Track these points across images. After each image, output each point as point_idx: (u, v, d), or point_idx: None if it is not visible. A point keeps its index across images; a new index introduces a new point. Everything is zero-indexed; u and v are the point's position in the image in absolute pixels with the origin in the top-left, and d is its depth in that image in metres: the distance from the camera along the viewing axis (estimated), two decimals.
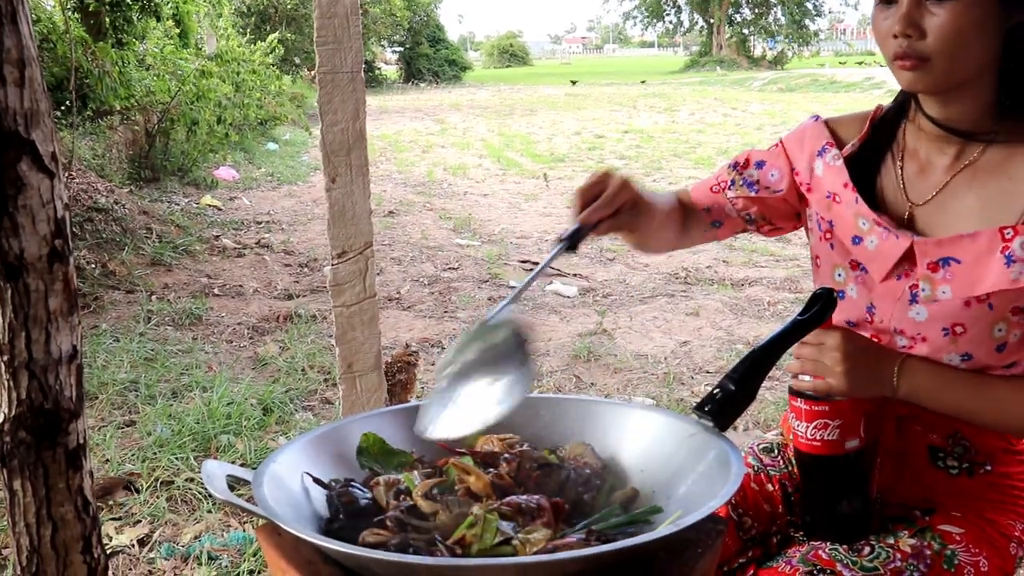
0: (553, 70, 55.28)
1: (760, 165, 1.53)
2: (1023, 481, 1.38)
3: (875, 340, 1.36)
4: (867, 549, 1.30)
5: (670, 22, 53.21)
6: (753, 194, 1.53)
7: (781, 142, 1.54)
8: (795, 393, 1.32)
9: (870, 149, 1.44)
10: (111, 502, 2.86)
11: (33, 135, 1.16)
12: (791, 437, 1.38)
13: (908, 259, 1.35)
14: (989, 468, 1.37)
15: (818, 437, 1.30)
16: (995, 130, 1.31)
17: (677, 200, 1.59)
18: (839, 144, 1.46)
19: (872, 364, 1.29)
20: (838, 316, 1.36)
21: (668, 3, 51.29)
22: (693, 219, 1.59)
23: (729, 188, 1.55)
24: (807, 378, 1.31)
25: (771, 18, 46.27)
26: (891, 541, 1.32)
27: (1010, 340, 1.31)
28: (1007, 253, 1.26)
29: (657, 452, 1.25)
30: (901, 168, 1.40)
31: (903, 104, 1.43)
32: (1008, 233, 1.26)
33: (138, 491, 2.90)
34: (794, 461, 1.39)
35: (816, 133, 1.49)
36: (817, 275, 1.51)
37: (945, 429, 1.38)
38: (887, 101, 1.48)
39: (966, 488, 1.38)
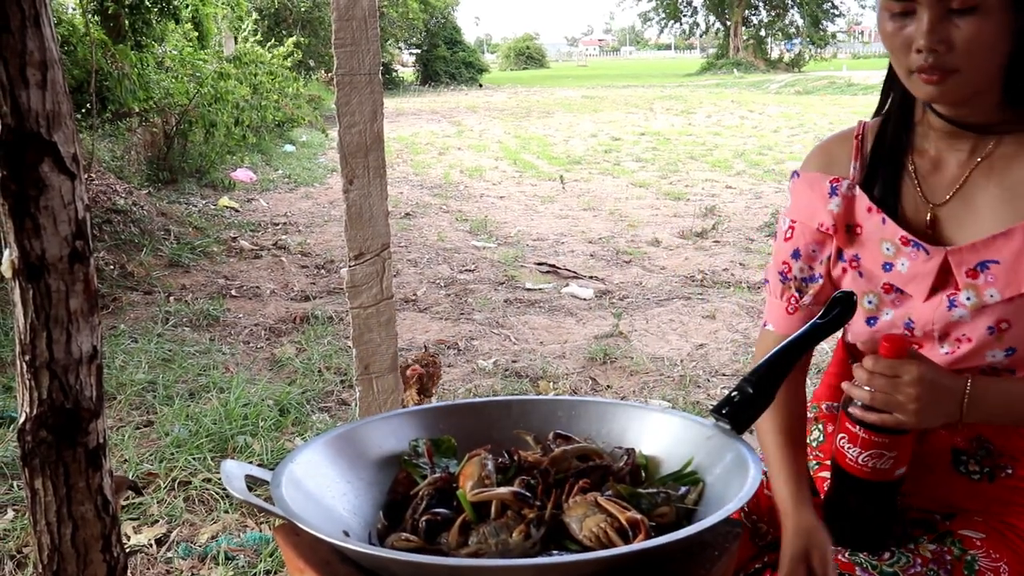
0: (570, 72, 55.26)
1: (798, 255, 1.48)
2: None
3: (944, 369, 1.30)
4: (887, 554, 1.30)
5: (686, 24, 53.15)
6: (822, 280, 1.48)
7: (792, 221, 1.49)
8: (855, 419, 1.29)
9: (879, 161, 1.42)
10: (120, 502, 2.88)
11: (55, 137, 1.17)
12: (833, 451, 1.36)
13: (944, 271, 1.33)
14: (1011, 472, 1.36)
15: (870, 464, 1.29)
16: (1006, 121, 1.31)
17: (797, 385, 1.51)
18: (840, 174, 1.44)
19: (942, 399, 1.26)
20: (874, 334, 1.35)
21: (685, 4, 51.21)
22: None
23: (803, 298, 1.49)
24: (867, 405, 1.27)
25: (788, 20, 46.10)
26: (911, 546, 1.32)
27: None
28: None
29: (674, 454, 1.25)
30: (914, 170, 1.39)
31: (903, 110, 1.41)
32: None
33: (140, 492, 2.91)
34: (832, 472, 1.37)
35: (813, 181, 1.45)
36: None
37: (968, 432, 1.37)
38: None
39: (987, 493, 1.37)
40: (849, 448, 1.30)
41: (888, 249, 1.37)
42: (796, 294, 1.49)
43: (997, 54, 1.23)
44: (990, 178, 1.33)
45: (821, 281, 1.47)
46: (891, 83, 1.40)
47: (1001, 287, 1.28)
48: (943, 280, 1.34)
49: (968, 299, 1.31)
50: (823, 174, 1.45)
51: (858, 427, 1.29)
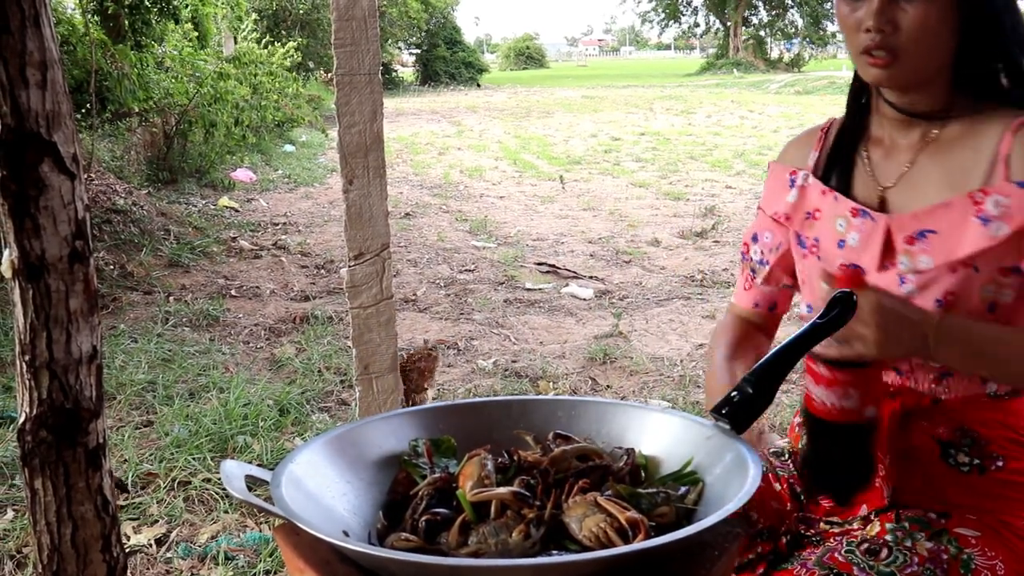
0: (569, 72, 55.29)
1: (756, 239, 1.61)
2: None
3: (907, 301, 1.30)
4: (884, 552, 1.30)
5: (687, 23, 53.20)
6: (771, 265, 1.59)
7: (759, 208, 1.62)
8: (817, 357, 1.25)
9: (837, 150, 1.50)
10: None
11: (55, 137, 1.17)
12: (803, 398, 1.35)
13: (889, 243, 1.38)
14: (1001, 464, 1.37)
15: (837, 405, 1.24)
16: (954, 107, 1.37)
17: (748, 329, 1.64)
18: (801, 168, 1.54)
19: (904, 329, 1.23)
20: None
21: (684, 5, 51.25)
22: (763, 321, 1.65)
23: (754, 277, 1.62)
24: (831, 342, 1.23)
25: (788, 20, 46.13)
26: (908, 544, 1.32)
27: (1000, 300, 1.33)
28: (981, 215, 1.30)
29: (674, 454, 1.25)
30: (867, 157, 1.46)
31: (859, 100, 1.48)
32: (979, 196, 1.30)
33: (126, 489, 2.91)
34: (803, 419, 1.33)
35: (778, 174, 1.57)
36: (805, 291, 1.54)
37: (951, 422, 1.38)
38: None
39: (979, 487, 1.37)
40: (815, 389, 1.26)
41: (841, 225, 1.43)
42: (751, 273, 1.62)
43: (942, 41, 1.30)
44: (935, 159, 1.38)
45: (768, 267, 1.58)
46: (857, 80, 1.48)
47: (935, 254, 1.32)
48: (891, 252, 1.37)
49: (902, 264, 1.34)
50: (785, 166, 1.56)
51: (820, 365, 1.24)
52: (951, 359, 1.28)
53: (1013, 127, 1.31)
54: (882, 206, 1.42)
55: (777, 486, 1.53)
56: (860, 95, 1.48)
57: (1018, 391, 1.39)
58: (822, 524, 1.46)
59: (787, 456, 1.59)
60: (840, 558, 1.29)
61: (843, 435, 1.27)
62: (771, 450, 1.61)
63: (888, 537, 1.33)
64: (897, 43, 1.29)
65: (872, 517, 1.40)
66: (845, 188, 1.47)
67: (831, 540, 1.39)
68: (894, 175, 1.42)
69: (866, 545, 1.32)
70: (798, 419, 1.63)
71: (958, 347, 1.27)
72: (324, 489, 1.18)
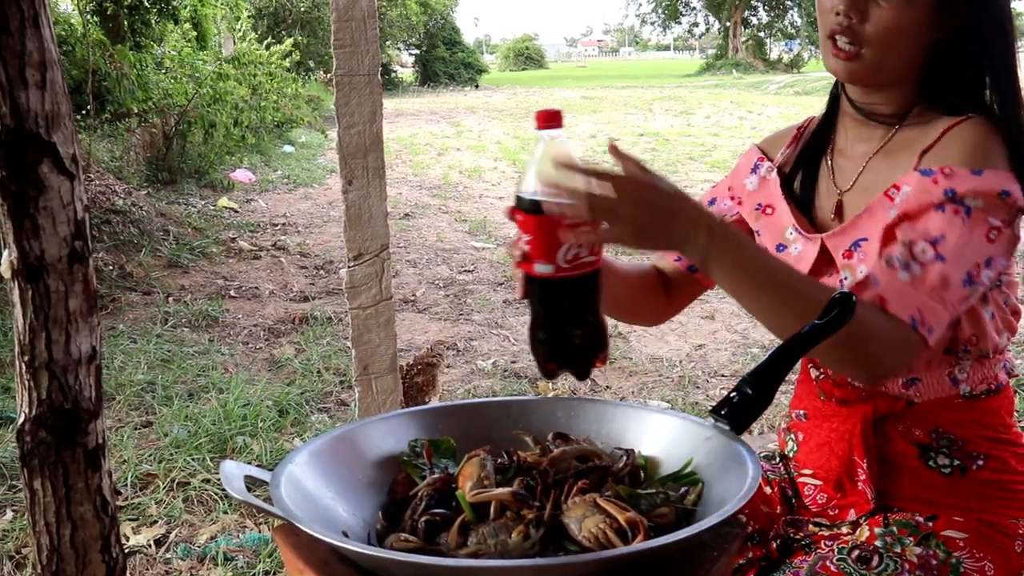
0: (569, 73, 55.30)
1: (712, 203, 1.60)
2: (1019, 474, 1.37)
3: (679, 194, 1.15)
4: (875, 560, 1.30)
5: (686, 24, 53.24)
6: None
7: (727, 177, 1.61)
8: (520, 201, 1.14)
9: (805, 153, 1.49)
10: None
11: (54, 137, 1.17)
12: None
13: (826, 257, 1.37)
14: (982, 463, 1.36)
15: (521, 250, 1.15)
16: (915, 113, 1.35)
17: (653, 267, 1.60)
18: (770, 159, 1.53)
19: (667, 221, 1.13)
20: None
21: (684, 5, 51.27)
22: (672, 277, 1.60)
23: None
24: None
25: (787, 20, 46.15)
26: (898, 550, 1.31)
27: None
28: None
29: (673, 455, 1.25)
30: (831, 159, 1.45)
31: (832, 103, 1.47)
32: (892, 192, 1.29)
33: (118, 492, 2.91)
34: None
35: (750, 155, 1.57)
36: None
37: (926, 424, 1.37)
38: None
39: (962, 489, 1.36)
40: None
41: (791, 233, 1.43)
42: None
43: (908, 46, 1.29)
44: (884, 163, 1.37)
45: None
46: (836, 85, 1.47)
47: (868, 261, 1.31)
48: (827, 266, 1.37)
49: (846, 278, 1.33)
50: (757, 151, 1.56)
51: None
52: (721, 269, 1.18)
53: (946, 127, 1.30)
54: (838, 211, 1.41)
55: (768, 489, 1.53)
56: (837, 100, 1.46)
57: (992, 390, 1.38)
58: (811, 526, 1.45)
59: (778, 459, 1.59)
60: (832, 567, 1.29)
61: (526, 287, 1.17)
62: (762, 454, 1.61)
63: (878, 543, 1.33)
64: (863, 34, 1.28)
65: (861, 521, 1.39)
66: (810, 192, 1.46)
67: (821, 546, 1.38)
68: (850, 179, 1.41)
69: (857, 552, 1.31)
70: (784, 424, 1.63)
71: (731, 255, 1.17)
72: (323, 490, 1.18)
